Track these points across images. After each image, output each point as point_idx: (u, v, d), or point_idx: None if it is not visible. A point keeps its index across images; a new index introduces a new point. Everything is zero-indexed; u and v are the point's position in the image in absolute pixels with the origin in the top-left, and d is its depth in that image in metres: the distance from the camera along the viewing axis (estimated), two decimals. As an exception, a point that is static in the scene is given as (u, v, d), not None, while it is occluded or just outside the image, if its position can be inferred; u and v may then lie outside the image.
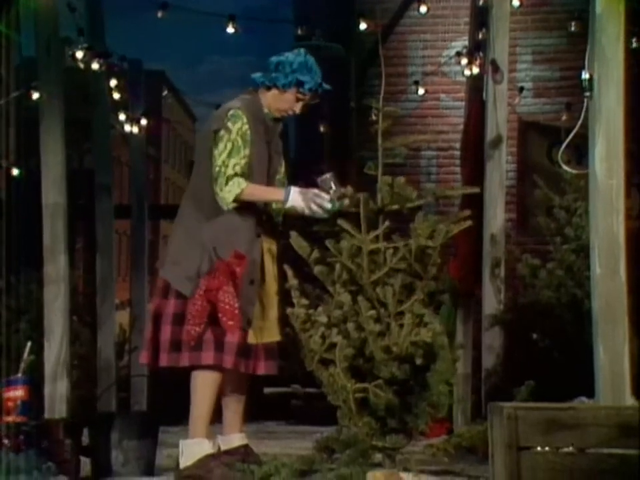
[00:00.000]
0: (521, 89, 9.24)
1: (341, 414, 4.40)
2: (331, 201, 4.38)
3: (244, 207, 4.43)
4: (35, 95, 6.05)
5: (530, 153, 9.20)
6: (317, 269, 4.47)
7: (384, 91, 4.63)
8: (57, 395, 5.45)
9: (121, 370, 7.78)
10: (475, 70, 6.89)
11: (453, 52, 9.22)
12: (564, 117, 8.47)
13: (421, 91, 9.57)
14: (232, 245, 4.38)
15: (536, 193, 6.42)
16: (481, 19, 6.63)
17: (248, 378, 4.54)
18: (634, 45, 6.77)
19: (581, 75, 3.91)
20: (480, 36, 6.65)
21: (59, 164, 5.63)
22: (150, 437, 5.02)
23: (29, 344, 5.27)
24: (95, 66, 7.03)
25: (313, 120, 10.05)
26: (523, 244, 7.44)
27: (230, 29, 7.62)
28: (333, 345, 4.37)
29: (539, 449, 3.03)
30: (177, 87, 28.80)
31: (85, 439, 5.08)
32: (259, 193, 4.45)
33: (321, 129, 10.25)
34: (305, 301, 4.44)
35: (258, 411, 6.84)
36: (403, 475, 4.23)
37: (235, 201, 4.39)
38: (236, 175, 4.39)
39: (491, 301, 5.99)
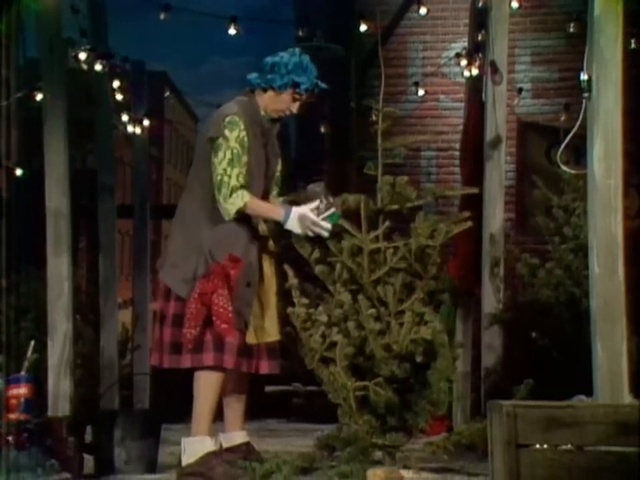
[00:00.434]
0: (520, 90, 9.25)
1: (342, 412, 4.43)
2: (328, 229, 4.38)
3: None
4: (39, 96, 6.06)
5: (529, 153, 9.20)
6: (318, 269, 4.50)
7: (384, 91, 4.65)
8: (60, 393, 5.44)
9: (124, 368, 7.77)
10: (475, 71, 6.90)
11: (452, 53, 9.22)
12: (562, 118, 8.48)
13: (421, 92, 9.58)
14: (228, 247, 4.39)
15: (535, 192, 6.40)
16: (480, 20, 6.63)
17: (248, 377, 4.56)
18: (632, 46, 6.80)
19: (579, 75, 3.91)
20: (479, 37, 6.66)
21: (62, 164, 5.64)
22: (152, 434, 5.01)
23: (32, 342, 5.28)
24: (97, 67, 7.02)
25: (313, 120, 10.09)
26: (522, 243, 7.44)
27: (232, 30, 7.63)
28: (333, 344, 4.40)
29: (537, 446, 3.03)
30: (179, 88, 28.79)
31: (88, 437, 5.08)
32: (261, 209, 4.44)
33: (321, 129, 10.26)
34: (305, 300, 4.47)
35: (259, 409, 6.87)
36: (403, 472, 4.26)
37: (236, 212, 4.40)
38: (241, 187, 4.38)
39: (491, 299, 5.98)
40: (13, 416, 4.87)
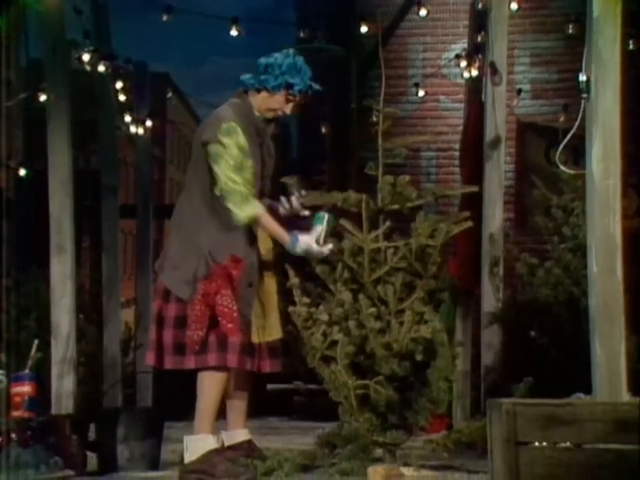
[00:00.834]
0: (519, 91, 9.27)
1: (342, 410, 4.45)
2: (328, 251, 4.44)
3: None
4: (42, 97, 6.10)
5: (528, 154, 9.20)
6: (319, 268, 4.51)
7: (384, 92, 4.68)
8: (64, 391, 5.48)
9: (127, 367, 7.80)
10: (474, 72, 6.93)
11: (452, 54, 9.23)
12: (561, 118, 8.49)
13: (421, 93, 9.60)
14: (229, 248, 4.39)
15: (534, 192, 6.41)
16: (479, 22, 6.65)
17: (251, 375, 4.56)
18: (630, 47, 6.81)
19: (578, 77, 3.92)
20: (479, 39, 6.68)
21: (65, 164, 5.67)
22: (155, 432, 5.00)
23: (36, 341, 5.28)
24: (101, 68, 7.07)
25: (314, 121, 10.11)
26: (522, 243, 7.45)
27: (233, 32, 7.64)
28: (334, 343, 4.41)
29: (537, 444, 3.02)
30: (181, 89, 28.73)
31: (91, 435, 5.08)
32: (271, 227, 4.44)
33: (322, 129, 10.29)
34: (306, 300, 4.49)
35: (261, 407, 6.87)
36: (404, 469, 4.26)
37: (247, 220, 4.39)
38: (252, 195, 4.38)
39: (490, 299, 6.00)
40: (16, 414, 4.87)
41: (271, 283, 4.56)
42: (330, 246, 4.43)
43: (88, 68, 7.03)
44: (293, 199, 4.54)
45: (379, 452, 4.45)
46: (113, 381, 6.86)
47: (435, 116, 9.79)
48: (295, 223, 4.60)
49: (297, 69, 4.49)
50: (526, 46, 9.49)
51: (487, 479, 3.22)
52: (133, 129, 8.40)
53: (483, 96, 6.28)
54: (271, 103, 4.51)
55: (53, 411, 5.40)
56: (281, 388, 8.88)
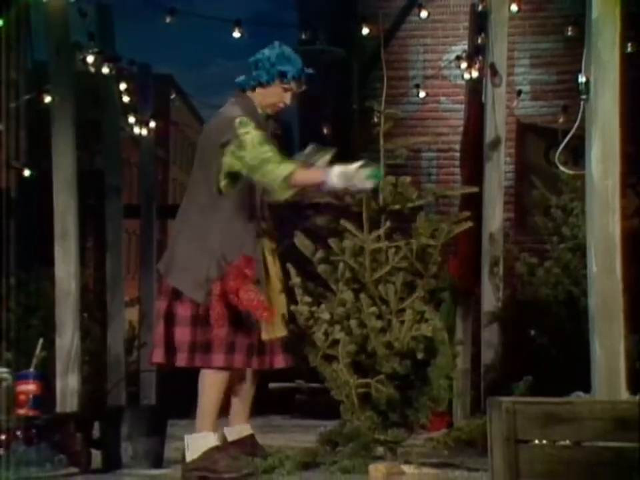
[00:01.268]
0: (519, 92, 9.26)
1: (344, 408, 4.48)
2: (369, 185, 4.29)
3: (245, 209, 4.44)
4: (47, 98, 6.13)
5: (528, 154, 9.20)
6: (321, 268, 4.53)
7: (385, 93, 4.71)
8: (68, 390, 5.51)
9: (130, 365, 7.82)
10: (474, 73, 6.94)
11: (452, 56, 9.22)
12: (561, 119, 8.46)
13: (422, 94, 9.60)
14: (239, 248, 4.37)
15: (534, 193, 6.42)
16: (480, 23, 6.66)
17: (259, 372, 4.55)
18: (629, 49, 6.82)
19: (577, 78, 3.94)
20: (479, 40, 6.67)
21: (69, 165, 5.70)
22: (159, 430, 4.99)
23: (40, 340, 5.29)
24: (105, 70, 7.09)
25: (316, 122, 10.12)
26: (521, 243, 7.46)
27: (236, 34, 7.65)
28: (335, 341, 4.44)
29: (536, 442, 3.00)
30: (184, 90, 28.71)
31: (96, 432, 5.07)
32: (308, 176, 4.32)
33: (324, 130, 10.30)
34: (308, 299, 4.51)
35: (263, 406, 6.88)
36: (404, 467, 4.29)
37: (285, 184, 4.27)
38: (279, 161, 4.28)
39: (490, 298, 6.02)
40: (21, 412, 4.87)
41: (276, 282, 4.55)
42: (369, 183, 4.29)
43: (92, 69, 7.05)
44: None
45: (380, 450, 4.47)
46: (116, 379, 6.88)
47: (435, 117, 9.80)
48: (294, 221, 4.60)
49: (286, 57, 4.50)
50: (526, 47, 9.50)
51: (487, 476, 3.22)
52: (136, 129, 8.43)
53: (483, 97, 6.31)
54: (269, 98, 4.51)
55: (58, 409, 5.42)
56: (283, 386, 8.88)
